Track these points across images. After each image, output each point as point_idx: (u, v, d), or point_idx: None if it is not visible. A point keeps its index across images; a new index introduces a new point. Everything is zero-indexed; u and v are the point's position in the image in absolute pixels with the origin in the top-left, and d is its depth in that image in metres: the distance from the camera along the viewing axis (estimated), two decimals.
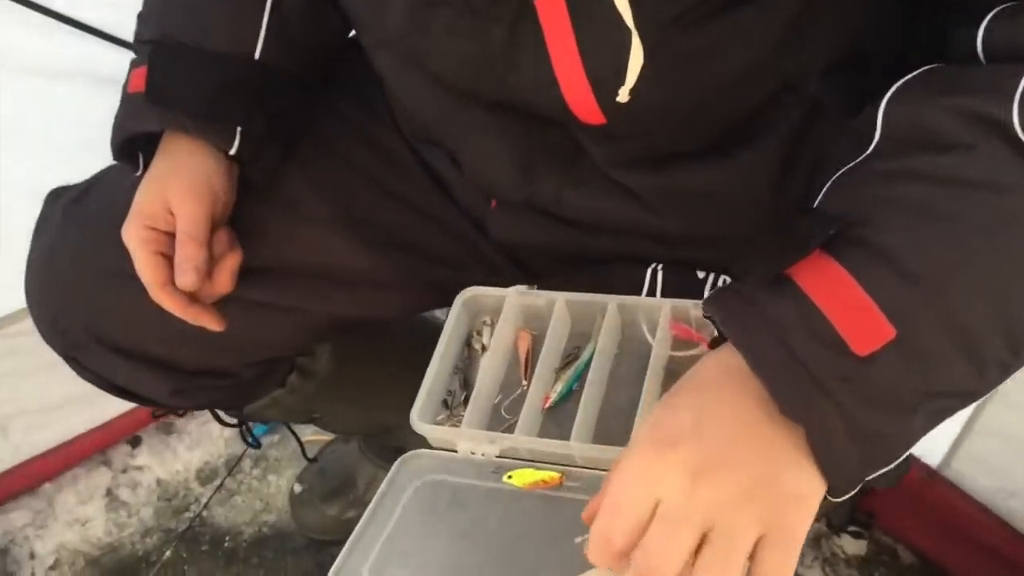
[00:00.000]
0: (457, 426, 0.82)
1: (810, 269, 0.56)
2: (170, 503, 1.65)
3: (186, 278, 0.83)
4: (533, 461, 0.78)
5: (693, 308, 0.81)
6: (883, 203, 0.57)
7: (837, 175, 0.62)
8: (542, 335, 0.87)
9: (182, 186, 0.85)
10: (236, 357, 1.03)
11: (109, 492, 1.66)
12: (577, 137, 0.81)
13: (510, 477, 0.76)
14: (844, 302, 0.54)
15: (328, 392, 1.21)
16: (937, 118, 0.58)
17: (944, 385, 0.55)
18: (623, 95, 0.68)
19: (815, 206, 0.62)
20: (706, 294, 0.85)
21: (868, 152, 0.62)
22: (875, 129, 0.61)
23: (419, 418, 0.81)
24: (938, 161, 0.57)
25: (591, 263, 0.92)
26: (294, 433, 1.44)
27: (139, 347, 0.95)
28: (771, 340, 0.55)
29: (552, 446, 0.76)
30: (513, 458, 0.79)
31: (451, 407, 0.85)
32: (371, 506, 0.78)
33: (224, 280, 0.88)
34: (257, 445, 1.38)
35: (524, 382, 0.85)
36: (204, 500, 1.63)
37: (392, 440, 1.50)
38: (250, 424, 1.29)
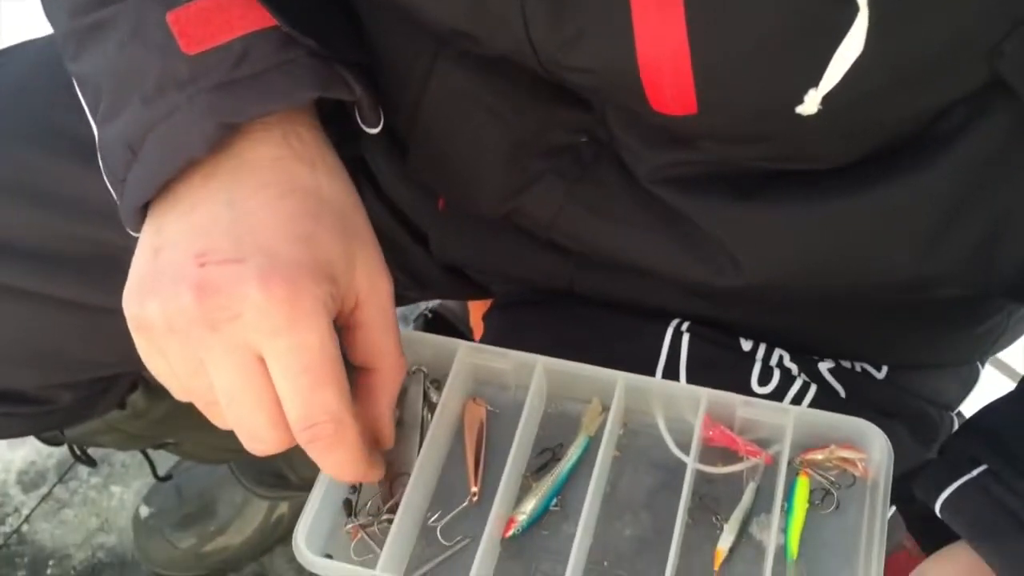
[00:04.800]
0: (365, 557, 0.53)
1: None
2: None
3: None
4: None
5: (742, 406, 0.53)
6: None
7: None
8: (503, 413, 0.58)
9: (365, 237, 0.50)
10: (51, 375, 0.73)
11: None
12: (609, 130, 0.52)
13: None
14: None
15: (184, 414, 0.90)
16: None
17: None
18: (809, 106, 0.41)
19: None
20: (754, 378, 0.57)
21: None
22: None
23: (305, 543, 0.51)
24: None
25: (577, 302, 0.64)
26: None
27: None
28: None
29: None
30: None
31: (356, 511, 0.55)
32: None
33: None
34: (92, 463, 1.07)
35: (474, 488, 0.56)
36: (25, 512, 1.34)
37: (268, 462, 1.20)
38: None
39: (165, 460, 1.25)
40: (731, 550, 0.51)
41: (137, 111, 0.47)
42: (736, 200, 0.50)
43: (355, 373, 0.50)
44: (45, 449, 1.38)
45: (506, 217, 0.59)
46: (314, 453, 0.47)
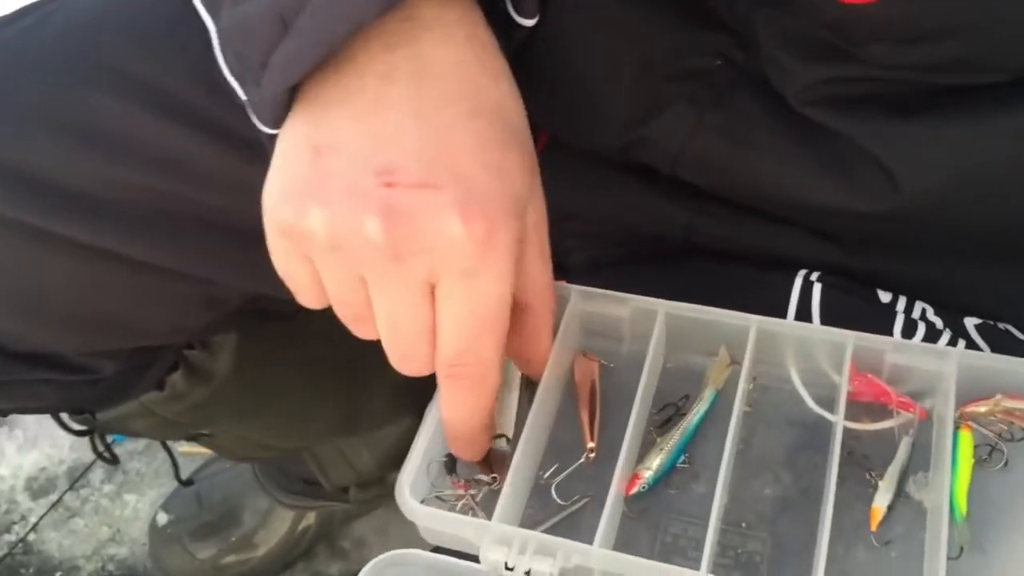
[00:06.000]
0: (470, 511, 0.47)
1: None
2: None
3: None
4: None
5: (893, 351, 0.48)
6: None
7: None
8: (618, 367, 0.53)
9: (536, 166, 0.44)
10: (96, 340, 0.67)
11: None
12: (759, 46, 0.48)
13: None
14: None
15: (224, 402, 0.87)
16: None
17: None
18: None
19: None
20: (897, 331, 0.52)
21: None
22: None
23: (411, 490, 0.46)
24: None
25: (684, 256, 0.59)
26: (165, 444, 1.06)
27: None
28: None
29: (660, 571, 0.42)
30: None
31: (457, 470, 0.50)
32: None
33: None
34: (114, 460, 1.00)
35: (591, 444, 0.50)
36: (33, 520, 1.26)
37: (298, 467, 1.13)
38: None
39: (187, 465, 1.19)
40: (888, 508, 0.46)
41: None
42: (897, 117, 0.46)
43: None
44: (56, 454, 1.32)
45: (623, 151, 0.54)
46: (448, 389, 0.44)
